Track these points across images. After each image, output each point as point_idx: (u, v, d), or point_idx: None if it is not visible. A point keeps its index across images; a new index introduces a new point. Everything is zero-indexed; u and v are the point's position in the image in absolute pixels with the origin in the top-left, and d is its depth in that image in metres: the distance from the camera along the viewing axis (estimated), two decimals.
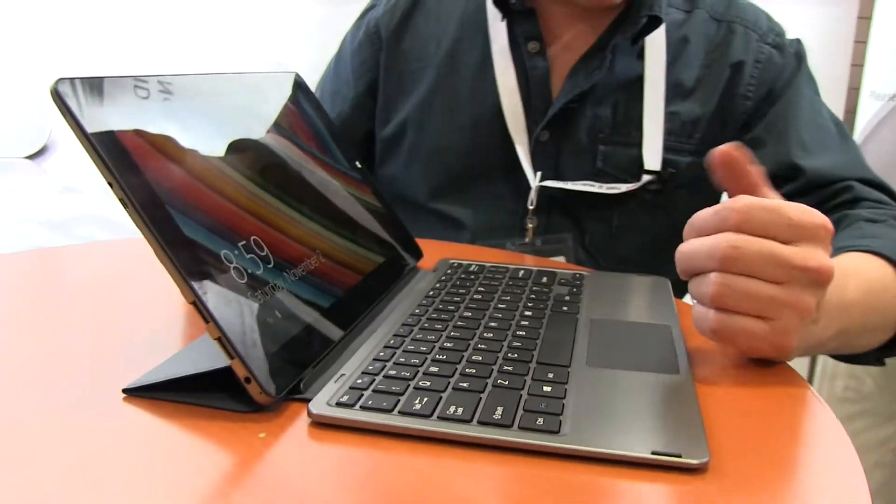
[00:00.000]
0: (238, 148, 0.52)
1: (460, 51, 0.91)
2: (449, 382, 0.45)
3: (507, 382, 0.45)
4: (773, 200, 0.47)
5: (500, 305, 0.59)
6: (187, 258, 0.42)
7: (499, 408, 0.42)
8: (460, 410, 0.41)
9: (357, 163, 0.71)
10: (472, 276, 0.67)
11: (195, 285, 0.41)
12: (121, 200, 0.40)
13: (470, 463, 0.38)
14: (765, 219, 0.46)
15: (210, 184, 0.47)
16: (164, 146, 0.45)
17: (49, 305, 0.63)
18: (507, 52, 0.87)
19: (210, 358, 0.43)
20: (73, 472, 0.37)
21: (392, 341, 0.51)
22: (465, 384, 0.45)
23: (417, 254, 0.72)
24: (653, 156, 0.84)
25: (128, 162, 0.41)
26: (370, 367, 0.47)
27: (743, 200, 0.47)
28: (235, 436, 0.41)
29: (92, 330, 0.56)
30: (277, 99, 0.62)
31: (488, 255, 0.79)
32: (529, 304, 0.60)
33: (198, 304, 0.41)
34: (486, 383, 0.45)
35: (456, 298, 0.61)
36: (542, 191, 0.85)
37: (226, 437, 0.40)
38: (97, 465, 0.38)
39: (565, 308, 0.60)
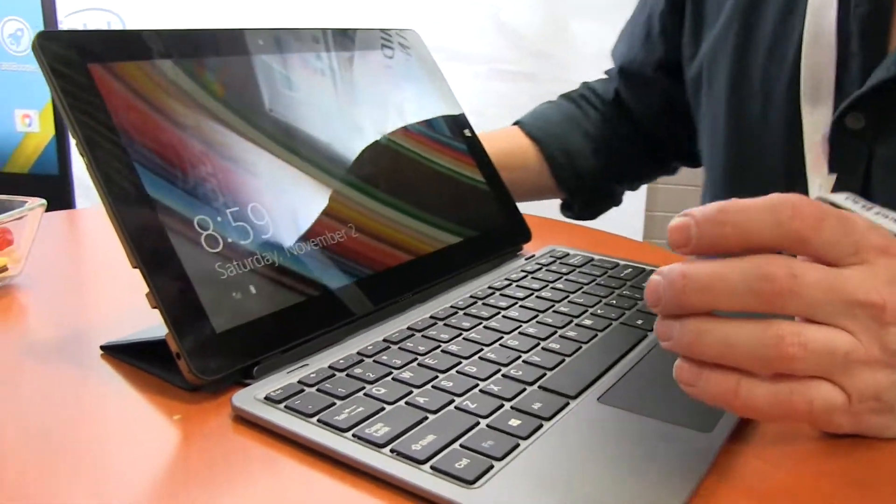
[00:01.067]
0: (281, 110, 0.49)
1: None
2: (410, 393, 0.38)
3: (474, 406, 0.37)
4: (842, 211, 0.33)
5: (563, 309, 0.50)
6: (140, 218, 0.39)
7: (430, 436, 0.34)
8: (382, 431, 0.34)
9: (466, 131, 0.64)
10: (564, 269, 0.58)
11: (139, 248, 0.38)
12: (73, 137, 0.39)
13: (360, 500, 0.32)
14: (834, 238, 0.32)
15: (216, 144, 0.44)
16: (164, 99, 0.43)
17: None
18: None
19: None
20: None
21: (396, 335, 0.45)
22: (423, 399, 0.37)
23: (523, 236, 0.64)
24: None
25: (92, 102, 0.40)
26: (341, 362, 0.41)
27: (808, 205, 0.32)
28: (154, 411, 0.38)
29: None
30: (368, 60, 0.58)
31: (621, 247, 0.68)
32: (599, 311, 0.50)
33: (140, 270, 0.38)
34: (452, 402, 0.37)
35: (518, 293, 0.53)
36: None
37: (145, 411, 0.38)
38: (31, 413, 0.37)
39: (640, 322, 0.49)
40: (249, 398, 0.37)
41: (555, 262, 0.60)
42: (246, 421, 0.37)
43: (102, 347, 0.44)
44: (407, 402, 0.37)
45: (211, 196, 0.43)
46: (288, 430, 0.35)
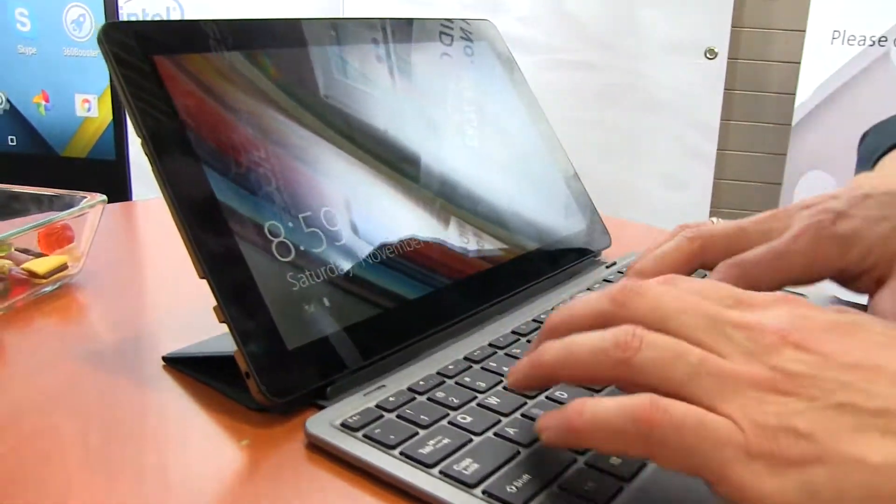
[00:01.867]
0: (355, 109, 0.45)
1: None
2: (499, 422, 0.35)
3: None
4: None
5: None
6: (208, 225, 0.36)
7: (524, 475, 0.31)
8: (472, 469, 0.31)
9: (543, 127, 0.60)
10: None
11: (208, 258, 0.36)
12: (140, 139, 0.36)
13: None
14: None
15: (287, 144, 0.41)
16: (232, 95, 0.40)
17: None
18: None
19: None
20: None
21: (477, 353, 0.41)
22: (512, 430, 0.34)
23: (603, 241, 0.60)
24: None
25: (158, 96, 0.37)
26: (420, 383, 0.38)
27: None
28: (220, 433, 0.35)
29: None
30: (441, 53, 0.54)
31: None
32: None
33: (209, 282, 0.36)
34: None
35: None
36: None
37: (210, 433, 0.35)
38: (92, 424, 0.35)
39: None
40: (324, 424, 0.34)
41: None
42: (321, 449, 0.34)
43: (165, 359, 0.41)
44: (496, 434, 0.34)
45: (282, 200, 0.40)
46: (369, 463, 0.32)
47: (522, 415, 0.35)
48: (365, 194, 0.44)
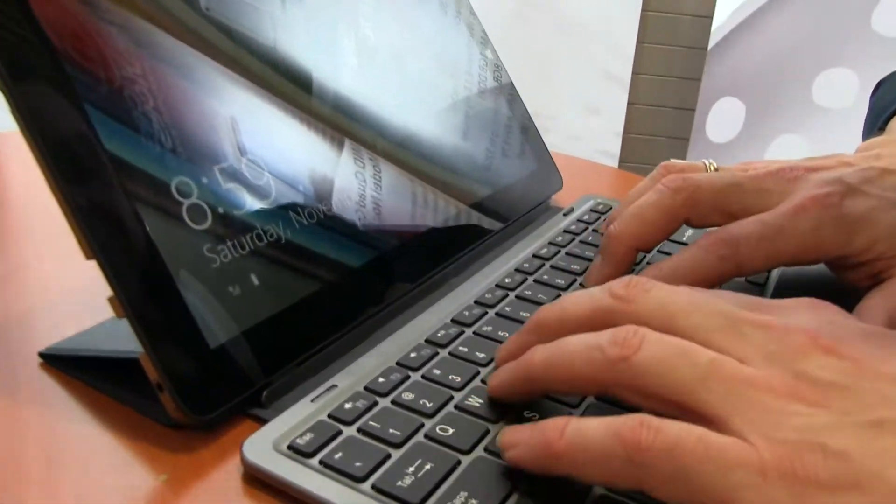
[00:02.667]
0: (279, 34, 0.36)
1: None
2: (487, 433, 0.28)
3: None
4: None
5: None
6: (95, 185, 0.27)
7: None
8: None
9: (489, 53, 0.52)
10: None
11: (96, 232, 0.26)
12: None
13: None
14: None
15: (198, 74, 0.31)
16: (124, 11, 0.29)
17: None
18: None
19: None
20: None
21: (440, 334, 0.34)
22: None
23: (554, 183, 0.53)
24: None
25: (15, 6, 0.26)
26: (380, 380, 0.30)
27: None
28: (126, 465, 0.26)
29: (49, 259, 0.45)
30: None
31: None
32: None
33: (100, 265, 0.26)
34: None
35: (574, 266, 0.42)
36: None
37: (111, 464, 0.26)
38: None
39: None
40: (266, 447, 0.26)
41: (599, 218, 0.49)
42: (263, 482, 0.26)
43: (42, 355, 0.32)
44: (489, 451, 0.27)
45: (194, 148, 0.30)
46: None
47: (516, 420, 0.29)
48: (294, 138, 0.35)
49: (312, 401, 0.29)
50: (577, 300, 0.27)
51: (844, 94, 1.49)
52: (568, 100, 1.76)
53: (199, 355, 0.28)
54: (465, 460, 0.26)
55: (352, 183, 0.37)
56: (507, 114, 0.51)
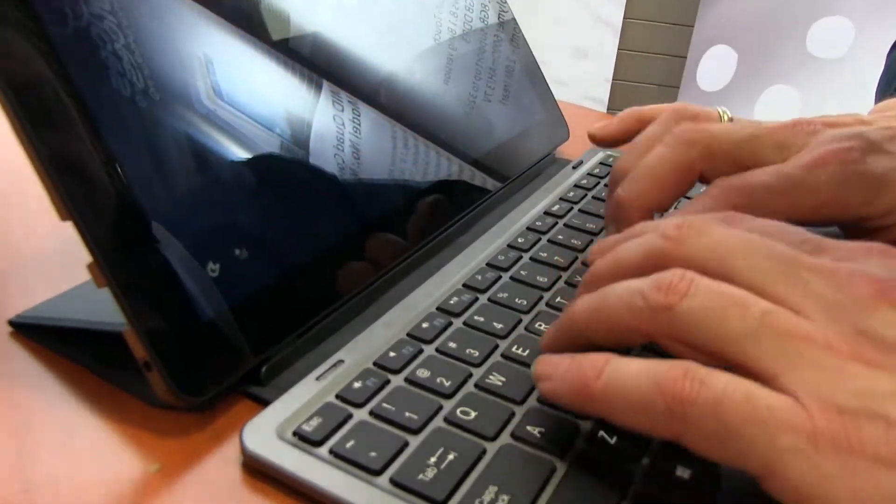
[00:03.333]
0: None
1: None
2: (512, 416, 0.25)
3: (612, 439, 0.24)
4: None
5: None
6: (69, 139, 0.23)
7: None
8: (503, 502, 0.22)
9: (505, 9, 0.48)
10: None
11: (71, 191, 0.23)
12: None
13: None
14: None
15: (164, 13, 0.28)
16: None
17: None
18: None
19: None
20: None
21: (453, 301, 0.31)
22: (536, 430, 0.24)
23: (561, 134, 0.50)
24: None
25: None
26: (391, 355, 0.27)
27: None
28: (113, 453, 0.24)
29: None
30: None
31: None
32: None
33: (77, 226, 0.23)
34: (576, 429, 0.25)
35: (589, 224, 0.39)
36: None
37: (99, 450, 0.23)
38: None
39: None
40: (269, 435, 0.23)
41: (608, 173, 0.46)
42: (266, 474, 0.23)
43: (12, 323, 0.29)
44: (515, 437, 0.24)
45: (169, 90, 0.27)
46: (347, 502, 0.22)
47: (540, 401, 0.26)
48: (272, 83, 0.31)
49: (318, 379, 0.26)
50: (630, 245, 0.25)
51: (839, 44, 1.45)
52: (557, 43, 1.71)
53: (189, 329, 0.25)
54: (491, 448, 0.24)
55: (332, 130, 0.33)
56: (511, 57, 0.47)
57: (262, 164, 0.29)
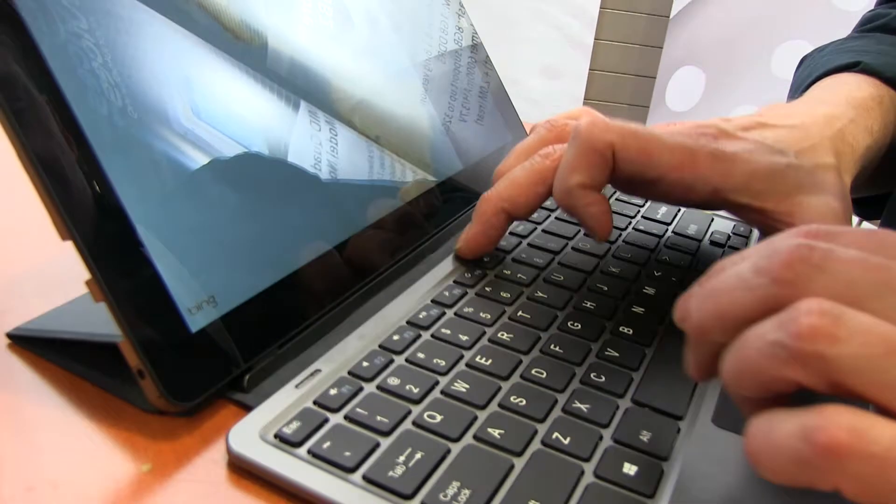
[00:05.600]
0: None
1: None
2: (474, 420, 0.28)
3: (566, 441, 0.27)
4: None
5: (613, 270, 0.40)
6: (68, 163, 0.26)
7: (531, 502, 0.24)
8: (464, 497, 0.24)
9: (474, 37, 0.51)
10: None
11: (74, 214, 0.25)
12: None
13: None
14: None
15: (144, 32, 0.30)
16: None
17: None
18: None
19: None
20: None
21: (422, 315, 0.34)
22: (496, 433, 0.27)
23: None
24: None
25: None
26: (364, 365, 0.30)
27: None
28: (105, 454, 0.26)
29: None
30: None
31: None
32: (658, 270, 0.40)
33: (78, 249, 0.25)
34: (534, 432, 0.27)
35: (551, 244, 0.42)
36: None
37: (89, 454, 0.26)
38: None
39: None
40: (253, 437, 0.26)
41: None
42: (250, 473, 0.25)
43: (11, 336, 0.31)
44: (477, 438, 0.27)
45: (148, 110, 0.29)
46: (324, 498, 0.24)
47: (501, 406, 0.29)
48: (250, 102, 0.34)
49: (297, 386, 0.28)
50: (731, 295, 0.22)
51: None
52: (529, 63, 1.75)
53: (180, 341, 0.27)
54: (455, 448, 0.26)
55: (309, 148, 0.36)
56: (481, 83, 0.50)
57: (243, 181, 0.31)
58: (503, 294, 0.36)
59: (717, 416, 0.30)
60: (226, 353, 0.28)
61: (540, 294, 0.37)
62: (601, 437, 0.28)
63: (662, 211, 0.48)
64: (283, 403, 0.27)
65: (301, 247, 0.33)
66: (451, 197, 0.43)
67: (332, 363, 0.30)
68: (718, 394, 0.31)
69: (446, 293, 0.36)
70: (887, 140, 0.48)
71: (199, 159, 0.30)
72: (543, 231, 0.44)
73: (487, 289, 0.37)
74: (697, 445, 0.28)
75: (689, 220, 0.47)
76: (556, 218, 0.45)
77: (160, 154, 0.28)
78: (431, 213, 0.42)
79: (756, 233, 0.47)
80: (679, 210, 0.49)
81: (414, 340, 0.32)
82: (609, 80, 1.76)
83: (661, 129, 0.37)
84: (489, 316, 0.34)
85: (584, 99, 1.76)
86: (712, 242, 0.45)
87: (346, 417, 0.27)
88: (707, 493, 0.26)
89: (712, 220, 0.48)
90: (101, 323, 0.26)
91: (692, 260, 0.42)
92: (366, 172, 0.38)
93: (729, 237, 0.46)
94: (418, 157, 0.42)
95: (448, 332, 0.33)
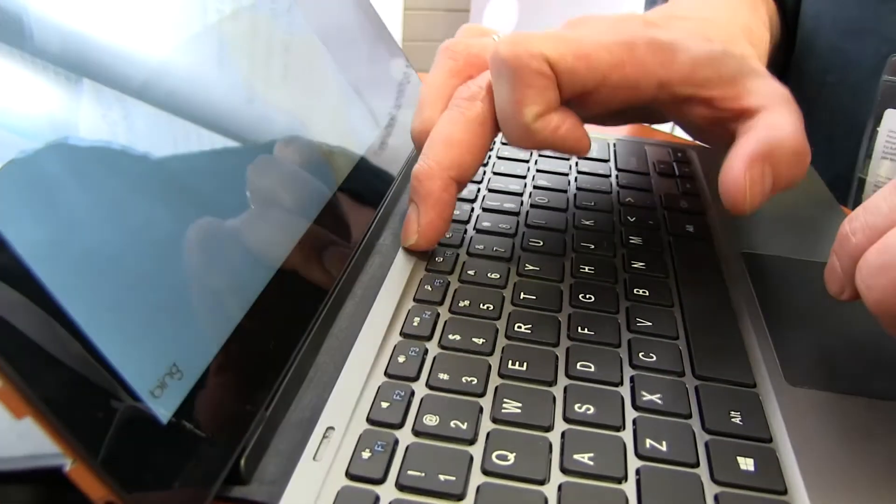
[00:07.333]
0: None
1: None
2: (551, 447, 0.22)
3: (663, 447, 0.22)
4: None
5: (586, 223, 0.35)
6: None
7: None
8: None
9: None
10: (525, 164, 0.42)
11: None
12: None
13: None
14: None
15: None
16: None
17: None
18: None
19: None
20: None
21: (415, 322, 0.27)
22: (587, 457, 0.22)
23: None
24: None
25: None
26: (383, 406, 0.23)
27: None
28: None
29: None
30: None
31: None
32: (631, 215, 0.36)
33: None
34: (623, 447, 0.22)
35: (508, 206, 0.36)
36: None
37: None
38: None
39: (690, 228, 0.36)
40: None
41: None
42: None
43: None
44: (567, 471, 0.21)
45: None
46: None
47: (567, 420, 0.23)
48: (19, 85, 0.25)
49: (315, 458, 0.21)
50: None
51: None
52: None
53: (152, 440, 0.19)
54: (549, 491, 0.20)
55: (104, 130, 0.28)
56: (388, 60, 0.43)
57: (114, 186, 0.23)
58: (490, 275, 0.30)
59: (789, 374, 0.26)
60: (212, 440, 0.20)
61: (530, 267, 0.31)
62: (694, 433, 0.23)
63: (595, 148, 0.44)
64: (310, 490, 0.20)
65: (247, 272, 0.25)
66: (373, 166, 0.37)
67: (342, 414, 0.23)
68: (774, 351, 0.27)
69: (427, 287, 0.29)
70: (774, 34, 0.50)
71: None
72: (490, 190, 0.38)
73: (470, 272, 0.31)
74: (792, 414, 0.24)
75: (625, 153, 0.43)
76: (494, 173, 0.40)
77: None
78: (366, 191, 0.35)
79: (695, 154, 0.44)
80: (612, 144, 0.45)
81: (424, 358, 0.25)
82: (422, 17, 1.70)
83: (579, 29, 0.31)
84: (491, 306, 0.28)
85: (402, 40, 1.69)
86: (660, 173, 0.42)
87: (398, 486, 0.20)
88: (838, 470, 0.22)
89: (644, 149, 0.45)
90: (34, 440, 0.18)
91: (652, 196, 0.39)
92: (285, 168, 0.30)
93: (673, 165, 0.42)
94: (323, 127, 0.34)
95: (458, 337, 0.26)
